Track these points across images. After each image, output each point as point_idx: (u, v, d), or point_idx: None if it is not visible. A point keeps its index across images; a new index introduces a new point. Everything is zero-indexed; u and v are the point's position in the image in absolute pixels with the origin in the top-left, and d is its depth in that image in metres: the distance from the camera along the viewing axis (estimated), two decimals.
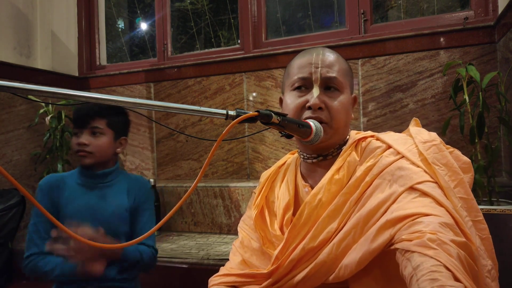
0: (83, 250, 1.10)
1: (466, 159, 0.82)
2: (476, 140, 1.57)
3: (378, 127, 2.17)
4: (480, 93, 1.55)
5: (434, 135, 0.83)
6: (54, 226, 1.27)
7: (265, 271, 0.84)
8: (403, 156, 0.79)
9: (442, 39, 2.06)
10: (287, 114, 0.76)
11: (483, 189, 1.52)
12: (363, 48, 2.22)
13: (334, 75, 0.84)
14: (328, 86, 0.84)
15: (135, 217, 1.36)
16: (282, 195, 0.91)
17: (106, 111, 1.34)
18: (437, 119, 2.07)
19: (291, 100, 0.86)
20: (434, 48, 2.07)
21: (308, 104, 0.82)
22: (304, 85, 0.85)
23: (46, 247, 1.11)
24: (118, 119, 1.39)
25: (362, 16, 2.28)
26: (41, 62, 2.77)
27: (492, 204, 1.50)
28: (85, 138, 1.29)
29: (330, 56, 0.86)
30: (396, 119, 2.16)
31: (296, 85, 0.86)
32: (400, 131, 0.89)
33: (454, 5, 2.62)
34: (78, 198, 1.31)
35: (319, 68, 0.84)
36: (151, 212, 1.40)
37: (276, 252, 0.83)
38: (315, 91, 0.83)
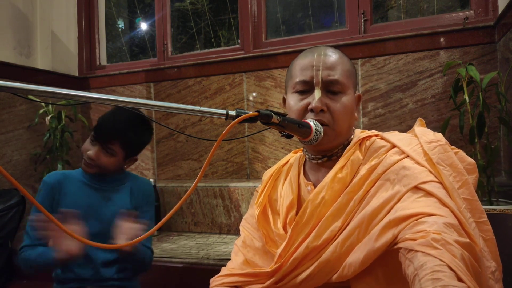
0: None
1: (471, 160, 0.82)
2: (476, 140, 1.57)
3: (378, 127, 2.17)
4: (480, 93, 1.55)
5: (439, 135, 0.82)
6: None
7: (268, 270, 0.84)
8: (407, 156, 0.78)
9: (442, 39, 2.06)
10: (287, 114, 0.76)
11: (483, 189, 1.52)
12: (363, 48, 2.21)
13: (336, 77, 0.82)
14: (330, 88, 0.83)
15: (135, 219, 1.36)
16: (285, 194, 0.91)
17: (129, 132, 1.28)
18: (437, 119, 2.07)
19: (294, 103, 0.85)
20: (434, 48, 2.07)
21: (310, 107, 0.82)
22: (306, 88, 0.84)
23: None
24: (137, 142, 1.34)
25: (362, 16, 2.28)
26: (41, 62, 2.77)
27: (491, 204, 1.50)
28: (95, 153, 1.27)
29: (332, 56, 0.85)
30: (395, 119, 2.16)
31: (298, 87, 0.85)
32: (399, 131, 0.89)
33: (454, 5, 2.62)
34: (81, 197, 1.30)
35: (320, 71, 0.82)
36: (151, 215, 1.40)
37: (279, 250, 0.83)
38: (317, 94, 0.82)
